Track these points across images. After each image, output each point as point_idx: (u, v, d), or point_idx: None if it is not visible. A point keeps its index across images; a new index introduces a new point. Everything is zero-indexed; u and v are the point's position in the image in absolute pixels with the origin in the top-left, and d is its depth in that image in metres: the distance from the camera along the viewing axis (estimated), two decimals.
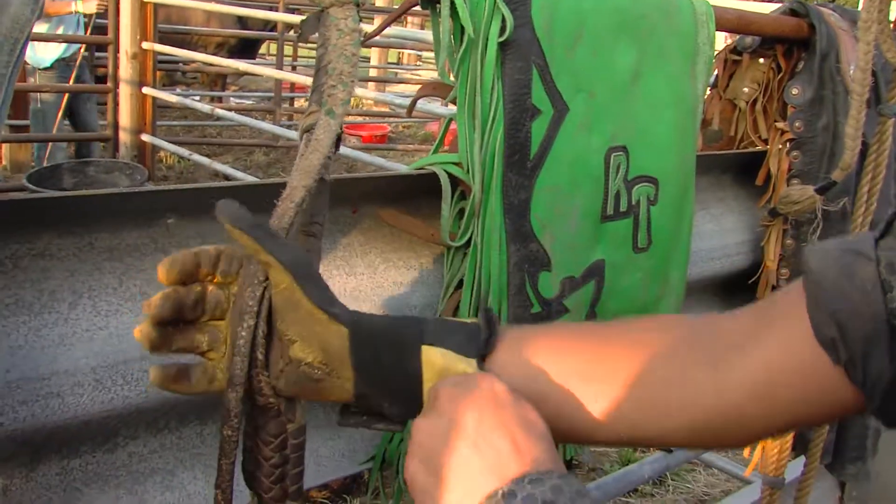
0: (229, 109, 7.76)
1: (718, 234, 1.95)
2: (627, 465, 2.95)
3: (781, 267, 1.93)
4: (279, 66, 8.55)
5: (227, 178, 5.86)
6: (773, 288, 1.95)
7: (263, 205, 1.19)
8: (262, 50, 12.45)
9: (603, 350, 0.80)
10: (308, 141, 0.88)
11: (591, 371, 0.78)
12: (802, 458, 1.95)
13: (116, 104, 5.66)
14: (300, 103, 10.49)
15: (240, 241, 0.79)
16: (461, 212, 1.26)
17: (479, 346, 0.80)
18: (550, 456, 0.66)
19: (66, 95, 5.97)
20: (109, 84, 5.77)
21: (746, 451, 2.14)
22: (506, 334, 0.81)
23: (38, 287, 1.00)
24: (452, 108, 1.28)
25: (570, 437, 0.81)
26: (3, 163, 7.21)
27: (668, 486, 3.50)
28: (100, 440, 1.08)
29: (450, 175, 1.24)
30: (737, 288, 2.04)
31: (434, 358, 0.79)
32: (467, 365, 0.79)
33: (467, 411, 0.69)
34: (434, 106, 4.25)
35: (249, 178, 5.70)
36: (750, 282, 2.00)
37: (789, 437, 1.90)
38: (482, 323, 0.82)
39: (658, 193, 1.46)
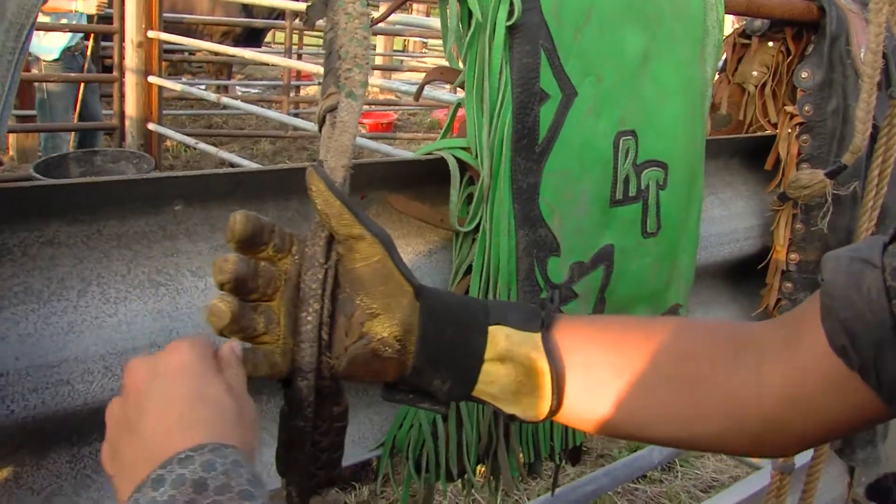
0: (236, 98, 7.76)
1: (727, 218, 1.94)
2: (636, 451, 2.95)
3: (791, 252, 1.92)
4: (288, 55, 8.53)
5: (233, 166, 5.86)
6: (783, 273, 1.94)
7: (269, 191, 1.19)
8: (267, 38, 12.43)
9: (649, 347, 0.81)
10: (333, 123, 0.87)
11: (635, 367, 0.80)
12: None
13: (122, 94, 5.65)
14: (306, 92, 10.48)
15: (331, 214, 0.77)
16: (469, 197, 1.26)
17: (542, 320, 0.82)
18: (216, 430, 0.63)
19: (81, 86, 5.98)
20: (115, 73, 5.76)
21: None
22: (559, 318, 0.84)
23: (47, 275, 1.00)
24: (459, 95, 1.27)
25: (606, 431, 0.83)
26: (11, 153, 7.23)
27: (677, 472, 3.50)
28: None
29: (458, 160, 1.24)
30: (746, 273, 2.03)
31: (498, 338, 0.81)
32: (531, 346, 0.80)
33: (135, 391, 0.68)
34: (440, 93, 4.24)
35: (254, 166, 5.70)
36: (759, 267, 1.99)
37: None
38: (546, 301, 0.85)
39: (667, 178, 1.45)
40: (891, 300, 0.67)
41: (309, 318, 0.79)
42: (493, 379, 0.82)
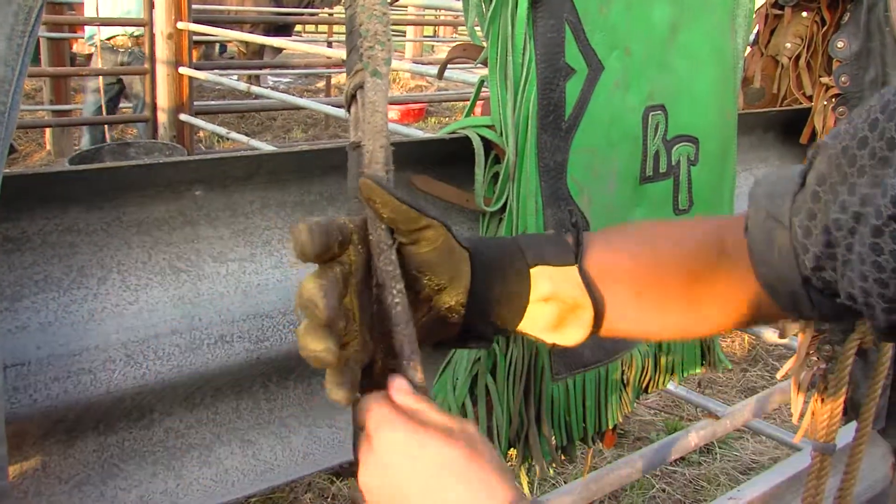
0: (267, 88, 7.76)
1: None
2: (674, 433, 2.92)
3: None
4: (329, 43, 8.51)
5: None
6: None
7: (290, 173, 1.17)
8: (297, 28, 12.44)
9: (661, 269, 0.88)
10: (361, 103, 0.84)
11: (648, 293, 0.88)
12: (854, 424, 1.90)
13: (154, 85, 5.68)
14: (338, 80, 10.48)
15: (399, 219, 0.76)
16: (495, 176, 1.23)
17: (575, 252, 0.87)
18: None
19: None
20: (146, 65, 5.79)
21: (796, 418, 2.09)
22: (587, 245, 0.88)
23: (67, 263, 0.99)
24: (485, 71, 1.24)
25: (633, 337, 0.97)
26: (48, 147, 7.30)
27: (716, 454, 3.46)
28: (135, 416, 1.08)
29: (483, 139, 1.21)
30: None
31: (541, 280, 0.85)
32: (572, 283, 0.85)
33: (399, 490, 0.68)
34: (471, 76, 4.20)
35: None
36: None
37: (840, 402, 1.85)
38: (573, 227, 0.89)
39: (698, 153, 1.41)
40: (797, 257, 0.74)
41: (397, 300, 0.76)
42: (537, 317, 0.87)
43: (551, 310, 0.86)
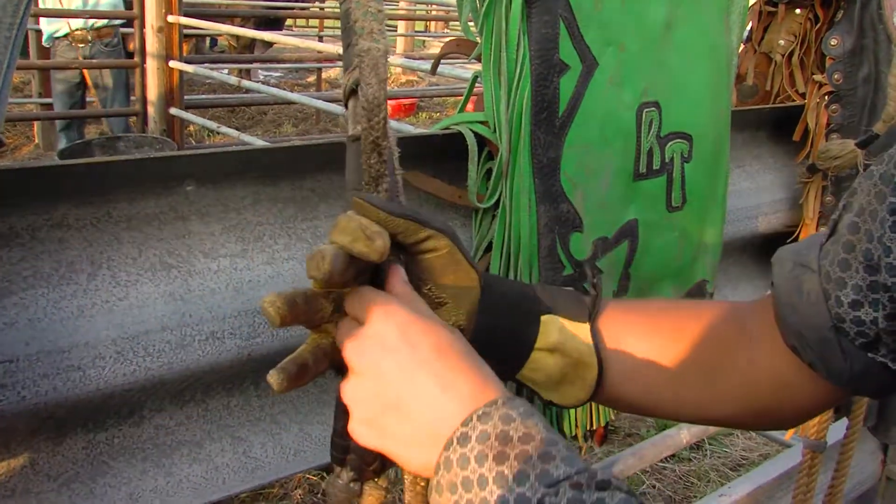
0: (257, 82, 7.74)
1: (754, 192, 1.90)
2: (664, 430, 2.92)
3: (820, 225, 1.88)
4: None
5: None
6: None
7: (282, 169, 1.16)
8: (288, 22, 12.40)
9: (677, 339, 0.86)
10: (358, 100, 0.84)
11: (665, 358, 0.85)
12: (844, 421, 1.91)
13: (144, 79, 5.65)
14: (328, 74, 10.45)
15: (397, 233, 0.74)
16: (489, 172, 1.22)
17: (589, 310, 0.85)
18: (485, 383, 0.67)
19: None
20: (136, 59, 5.76)
21: None
22: (603, 306, 0.87)
23: (56, 258, 0.98)
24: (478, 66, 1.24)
25: (633, 411, 0.89)
26: (36, 140, 7.27)
27: (706, 450, 3.46)
28: (125, 413, 1.07)
29: (476, 135, 1.21)
30: (774, 248, 1.97)
31: (551, 329, 0.84)
32: (581, 339, 0.84)
33: (376, 373, 0.68)
34: (463, 71, 4.19)
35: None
36: (788, 241, 1.95)
37: None
38: (591, 286, 0.87)
39: (692, 150, 1.41)
40: (827, 301, 0.72)
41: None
42: (539, 367, 0.85)
43: (555, 362, 0.85)
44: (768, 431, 2.68)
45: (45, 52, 6.62)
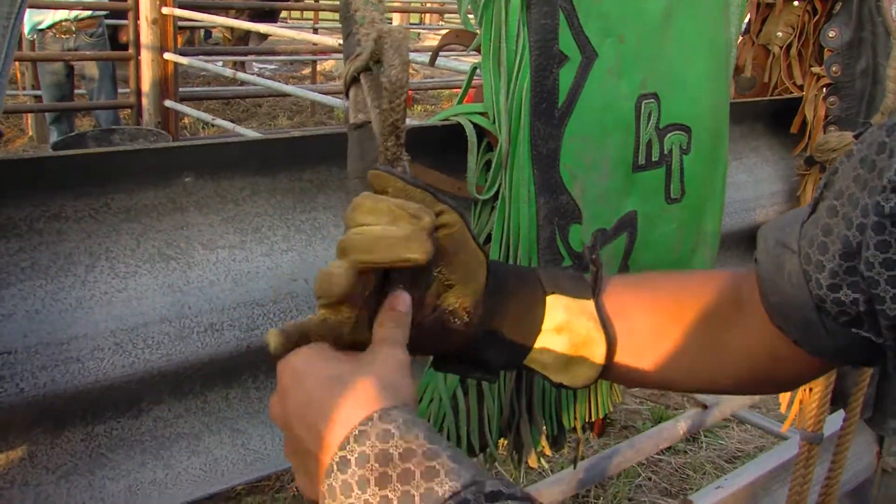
0: (252, 75, 7.72)
1: (752, 184, 1.90)
2: (660, 422, 2.92)
3: None
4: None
5: None
6: None
7: (281, 160, 1.16)
8: (283, 14, 12.37)
9: (680, 312, 0.86)
10: (360, 87, 0.83)
11: (669, 333, 0.85)
12: (841, 413, 1.91)
13: (138, 71, 5.63)
14: (323, 66, 10.43)
15: (413, 199, 0.73)
16: (488, 164, 1.22)
17: (592, 287, 0.85)
18: (370, 396, 0.62)
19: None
20: (130, 51, 5.74)
21: (783, 407, 2.10)
22: (605, 282, 0.87)
23: (54, 250, 0.98)
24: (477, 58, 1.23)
25: (639, 385, 0.91)
26: (30, 132, 7.24)
27: (702, 443, 3.47)
28: (123, 405, 1.06)
29: (475, 126, 1.20)
30: None
31: (556, 309, 0.84)
32: (587, 316, 0.84)
33: (284, 391, 0.67)
34: (459, 64, 4.18)
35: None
36: None
37: (828, 391, 1.85)
38: (590, 262, 0.87)
39: (691, 142, 1.41)
40: (808, 283, 0.72)
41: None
42: (547, 349, 0.85)
43: (562, 341, 0.84)
44: (763, 424, 2.69)
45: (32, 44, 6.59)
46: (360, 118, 0.82)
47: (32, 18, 5.75)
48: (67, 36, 5.77)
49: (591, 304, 0.84)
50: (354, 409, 0.60)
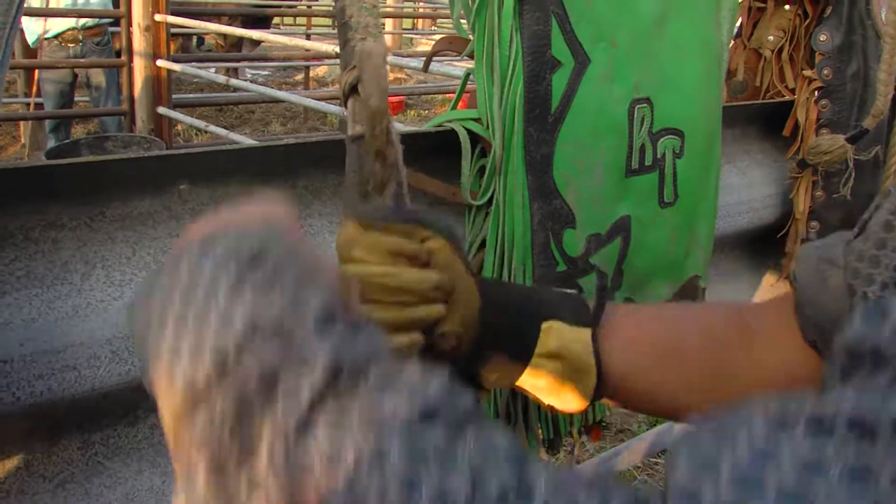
0: (245, 81, 7.71)
1: (745, 187, 1.91)
2: (655, 426, 2.93)
3: (811, 220, 1.89)
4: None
5: None
6: (803, 241, 1.90)
7: (276, 167, 1.16)
8: (275, 20, 12.38)
9: (680, 351, 0.86)
10: (358, 96, 0.83)
11: (671, 362, 0.85)
12: None
13: (131, 78, 5.63)
14: (316, 72, 10.43)
15: (393, 233, 0.74)
16: (482, 169, 1.23)
17: (591, 316, 0.85)
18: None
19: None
20: (123, 58, 5.73)
21: None
22: (606, 311, 0.87)
23: (50, 258, 0.98)
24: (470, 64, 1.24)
25: (649, 410, 0.93)
26: (23, 140, 7.22)
27: None
28: (120, 413, 1.06)
29: (469, 132, 1.21)
30: (765, 243, 1.99)
31: (550, 335, 0.83)
32: (581, 345, 0.83)
33: None
34: (452, 69, 4.18)
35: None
36: (779, 236, 1.96)
37: None
38: (596, 291, 0.86)
39: (684, 146, 1.41)
40: (852, 297, 0.72)
41: None
42: (539, 373, 0.84)
43: (554, 368, 0.84)
44: None
45: (30, 52, 6.59)
46: (357, 130, 0.82)
47: (36, 27, 5.75)
48: (74, 44, 5.78)
49: (587, 333, 0.84)
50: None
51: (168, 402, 0.45)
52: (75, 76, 5.98)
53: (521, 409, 1.28)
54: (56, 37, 5.75)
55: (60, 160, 1.05)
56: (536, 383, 0.85)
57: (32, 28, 5.77)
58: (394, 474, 0.39)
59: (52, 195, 0.99)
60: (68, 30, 5.72)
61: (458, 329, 0.79)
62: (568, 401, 0.86)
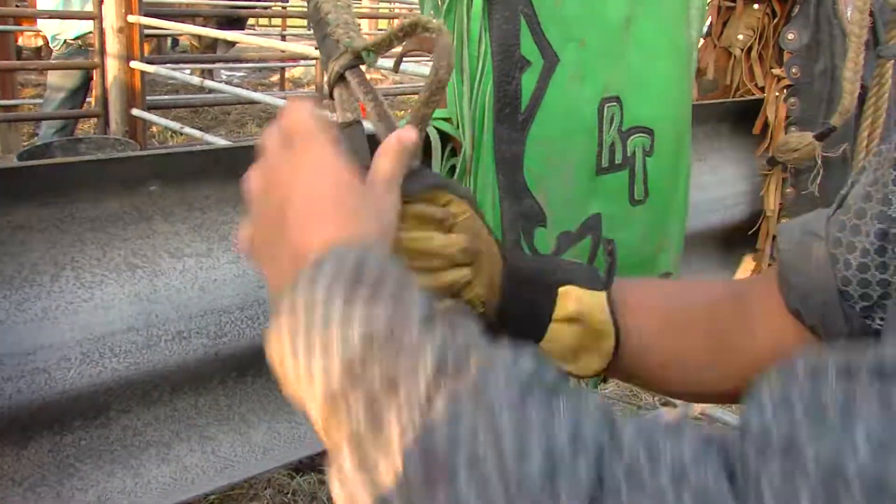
0: (220, 82, 7.68)
1: (716, 185, 1.92)
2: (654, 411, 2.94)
3: (781, 216, 1.91)
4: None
5: None
6: (774, 238, 1.92)
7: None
8: (250, 21, 12.33)
9: (687, 317, 0.88)
10: (347, 86, 0.83)
11: (675, 329, 0.87)
12: None
13: (104, 80, 5.58)
14: (291, 73, 10.40)
15: (416, 199, 0.74)
16: (452, 169, 1.23)
17: (605, 279, 0.86)
18: (360, 226, 0.63)
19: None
20: (96, 59, 5.69)
21: None
22: (615, 279, 0.88)
23: (18, 260, 0.97)
24: None
25: (660, 380, 0.91)
26: None
27: None
28: (91, 414, 1.06)
29: (439, 131, 1.21)
30: (736, 239, 2.01)
31: (569, 300, 0.84)
32: (598, 308, 0.84)
33: (277, 183, 0.69)
34: (425, 69, 4.19)
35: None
36: (750, 233, 1.98)
37: None
38: (606, 254, 0.89)
39: (654, 144, 1.42)
40: (834, 266, 0.75)
41: None
42: (557, 338, 0.85)
43: (573, 332, 0.85)
44: (733, 422, 2.71)
45: (2, 53, 6.53)
46: (349, 117, 0.82)
47: (48, 29, 5.70)
48: (94, 47, 5.75)
49: (602, 296, 0.85)
50: (341, 230, 0.61)
51: (313, 407, 0.53)
52: (88, 79, 5.95)
53: None
54: (76, 38, 5.73)
55: (29, 162, 1.05)
56: (552, 348, 0.85)
57: (46, 30, 5.72)
58: (507, 443, 0.44)
59: (20, 197, 0.98)
60: (88, 33, 5.70)
61: (484, 295, 0.80)
62: (585, 366, 0.86)
